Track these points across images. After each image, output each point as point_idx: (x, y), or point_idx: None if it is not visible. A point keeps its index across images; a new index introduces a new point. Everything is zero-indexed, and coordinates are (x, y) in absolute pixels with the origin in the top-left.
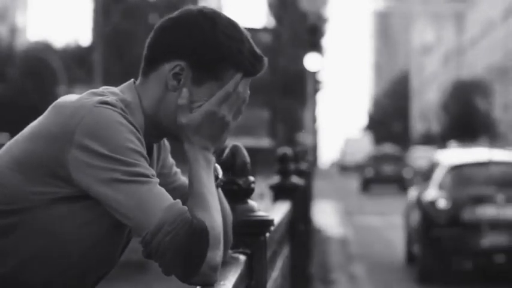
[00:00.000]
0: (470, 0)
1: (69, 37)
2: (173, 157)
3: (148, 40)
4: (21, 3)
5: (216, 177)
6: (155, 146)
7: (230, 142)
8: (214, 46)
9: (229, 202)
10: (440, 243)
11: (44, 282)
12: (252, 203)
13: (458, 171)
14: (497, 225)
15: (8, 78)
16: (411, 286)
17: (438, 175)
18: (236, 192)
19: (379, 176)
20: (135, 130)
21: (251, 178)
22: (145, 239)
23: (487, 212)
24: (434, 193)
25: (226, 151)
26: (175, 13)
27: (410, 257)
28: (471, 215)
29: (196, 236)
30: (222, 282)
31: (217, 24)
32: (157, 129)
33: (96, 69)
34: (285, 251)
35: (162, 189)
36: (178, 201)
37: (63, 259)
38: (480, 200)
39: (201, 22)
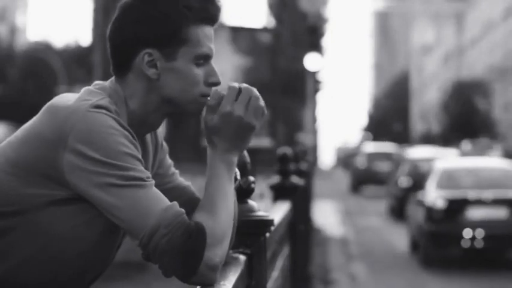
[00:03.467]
0: (470, 0)
1: (69, 37)
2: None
3: (108, 51)
4: (21, 3)
5: (235, 179)
6: (151, 146)
7: None
8: (164, 18)
9: None
10: (362, 180)
11: (40, 283)
12: (252, 203)
13: (369, 155)
14: (390, 176)
15: (8, 79)
16: (412, 279)
17: (361, 155)
18: (236, 192)
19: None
20: (127, 133)
21: (251, 178)
22: (142, 242)
23: (385, 167)
24: (359, 163)
25: None
26: (115, 13)
27: (353, 189)
28: (375, 169)
29: (192, 237)
30: (222, 282)
31: None
32: (143, 124)
33: (96, 69)
34: (285, 251)
35: (158, 192)
36: (175, 203)
37: (59, 260)
38: (377, 159)
39: (139, 5)
